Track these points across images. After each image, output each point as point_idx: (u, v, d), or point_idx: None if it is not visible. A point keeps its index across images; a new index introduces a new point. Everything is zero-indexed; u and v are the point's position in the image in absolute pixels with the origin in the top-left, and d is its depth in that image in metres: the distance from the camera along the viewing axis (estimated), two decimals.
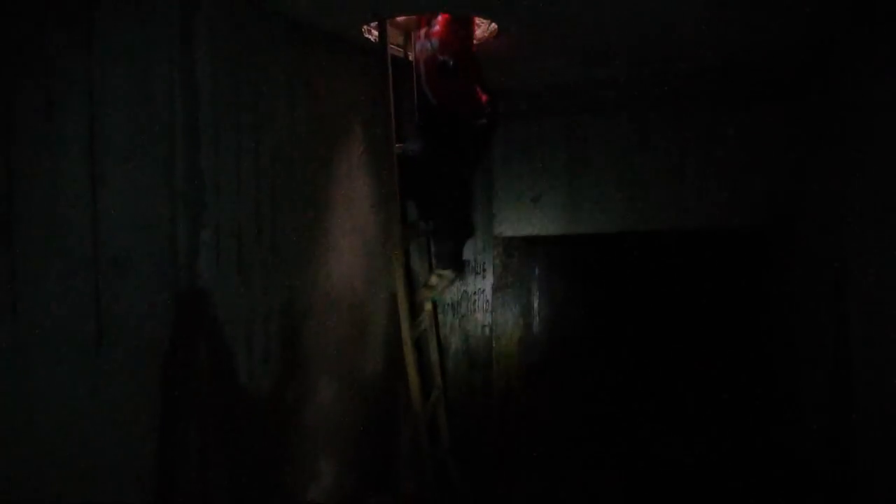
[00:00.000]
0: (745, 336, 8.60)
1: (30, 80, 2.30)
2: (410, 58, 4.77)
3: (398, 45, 4.74)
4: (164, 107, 2.90)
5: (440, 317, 6.02)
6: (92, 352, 2.53)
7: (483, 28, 4.56)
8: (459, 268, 5.14)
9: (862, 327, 4.35)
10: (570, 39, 4.74)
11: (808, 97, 5.84)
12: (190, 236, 3.03)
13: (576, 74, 5.68)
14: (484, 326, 7.55)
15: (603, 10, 4.10)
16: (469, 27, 4.38)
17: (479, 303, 7.43)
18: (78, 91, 2.48)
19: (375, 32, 4.39)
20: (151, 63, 2.84)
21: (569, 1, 3.86)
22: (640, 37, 4.70)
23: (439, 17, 4.34)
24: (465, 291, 6.94)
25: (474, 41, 4.51)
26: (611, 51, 5.06)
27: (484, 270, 7.58)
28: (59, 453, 2.42)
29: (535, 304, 9.02)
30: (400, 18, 4.57)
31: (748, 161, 6.87)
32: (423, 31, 4.49)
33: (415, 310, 5.07)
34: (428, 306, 5.30)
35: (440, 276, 4.99)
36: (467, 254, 6.98)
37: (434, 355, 5.45)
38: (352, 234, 4.48)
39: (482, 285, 7.52)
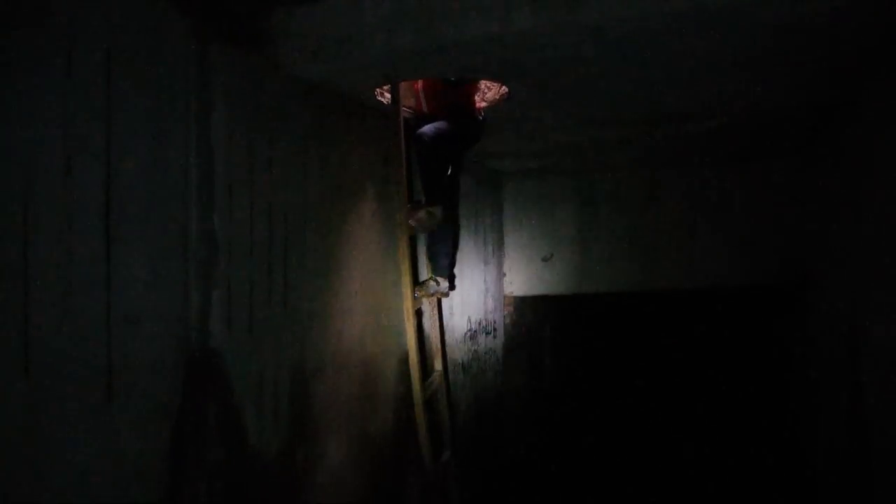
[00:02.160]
0: (759, 395, 8.50)
1: (49, 143, 2.35)
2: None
3: (409, 108, 4.81)
4: (179, 168, 2.94)
5: (451, 376, 5.99)
6: (103, 409, 2.53)
7: (494, 91, 4.63)
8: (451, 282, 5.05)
9: (876, 387, 4.31)
10: (579, 104, 4.81)
11: (816, 157, 5.87)
12: (202, 296, 3.05)
13: (585, 135, 5.74)
14: (495, 386, 7.50)
15: (610, 80, 4.17)
16: None
17: (490, 362, 7.40)
18: (95, 154, 2.52)
19: (388, 95, 4.47)
20: (167, 125, 2.89)
21: (576, 70, 3.93)
22: (650, 103, 4.77)
23: None
24: (476, 351, 6.92)
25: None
26: (620, 115, 5.13)
27: (495, 330, 7.56)
28: None
29: (546, 364, 8.97)
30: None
31: (759, 220, 6.89)
32: None
33: (426, 369, 5.05)
34: (438, 368, 5.28)
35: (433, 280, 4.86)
36: (477, 311, 6.98)
37: (445, 414, 5.41)
38: (363, 294, 4.49)
39: (493, 345, 7.49)
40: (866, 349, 4.47)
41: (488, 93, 4.72)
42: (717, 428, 9.32)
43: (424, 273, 5.13)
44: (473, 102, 4.68)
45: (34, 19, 2.30)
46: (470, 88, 4.60)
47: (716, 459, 8.96)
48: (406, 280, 4.59)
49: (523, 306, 8.19)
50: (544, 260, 7.81)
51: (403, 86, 4.56)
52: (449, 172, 4.82)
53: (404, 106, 4.67)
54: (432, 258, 4.97)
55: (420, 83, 4.62)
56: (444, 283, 4.87)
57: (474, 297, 6.89)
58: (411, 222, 4.53)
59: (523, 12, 3.15)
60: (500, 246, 7.86)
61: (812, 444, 6.37)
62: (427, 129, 4.55)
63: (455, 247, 4.94)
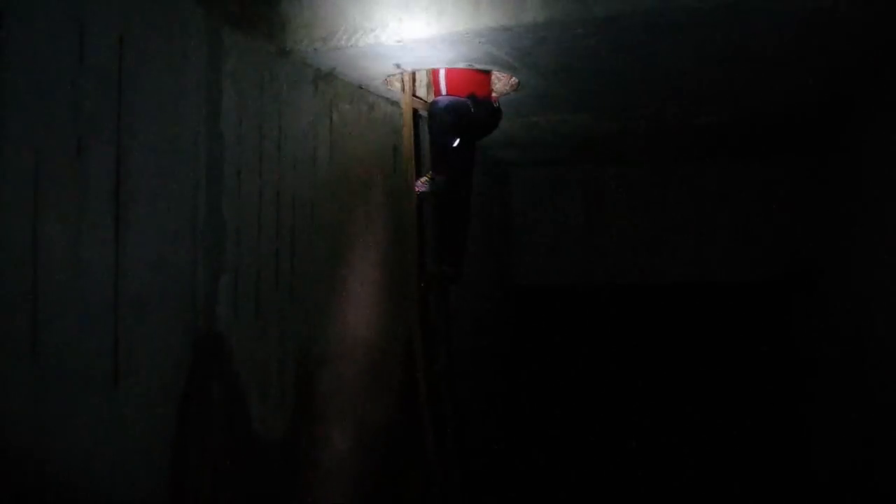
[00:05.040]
0: (765, 389, 8.47)
1: (61, 125, 2.36)
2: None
3: (419, 97, 4.80)
4: (189, 153, 2.95)
5: (455, 365, 5.98)
6: (109, 392, 2.55)
7: (504, 81, 4.62)
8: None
9: (882, 386, 4.30)
10: (588, 96, 4.80)
11: (827, 153, 5.84)
12: (209, 281, 3.06)
13: (594, 127, 5.73)
14: (500, 375, 7.50)
15: (619, 71, 4.16)
16: None
17: (495, 351, 7.39)
18: (106, 136, 2.53)
19: (398, 84, 4.46)
20: (178, 110, 2.90)
21: (584, 61, 3.91)
22: (659, 94, 4.75)
23: None
24: (481, 340, 6.92)
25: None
26: (629, 107, 5.11)
27: (500, 318, 7.55)
28: (73, 491, 2.42)
29: (551, 353, 8.96)
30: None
31: (767, 215, 6.85)
32: None
33: (431, 358, 5.04)
34: (442, 357, 5.27)
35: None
36: (482, 300, 6.98)
37: (449, 403, 5.41)
38: (369, 282, 4.49)
39: (499, 333, 7.48)
40: (872, 347, 4.46)
41: (497, 83, 4.70)
42: (717, 423, 9.28)
43: (432, 261, 5.12)
44: (491, 90, 4.68)
45: (47, 1, 2.31)
46: (489, 76, 4.60)
47: (713, 456, 8.92)
48: (413, 268, 4.59)
49: (528, 296, 8.18)
50: (551, 251, 7.80)
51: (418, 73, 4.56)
52: (456, 145, 4.76)
53: (415, 96, 4.66)
54: (440, 246, 4.95)
55: (441, 69, 4.62)
56: (451, 271, 4.87)
57: (479, 286, 6.89)
58: (417, 188, 4.63)
59: (535, 3, 3.15)
60: (506, 235, 7.85)
61: (813, 436, 6.37)
62: (442, 98, 4.55)
63: (465, 236, 4.93)
